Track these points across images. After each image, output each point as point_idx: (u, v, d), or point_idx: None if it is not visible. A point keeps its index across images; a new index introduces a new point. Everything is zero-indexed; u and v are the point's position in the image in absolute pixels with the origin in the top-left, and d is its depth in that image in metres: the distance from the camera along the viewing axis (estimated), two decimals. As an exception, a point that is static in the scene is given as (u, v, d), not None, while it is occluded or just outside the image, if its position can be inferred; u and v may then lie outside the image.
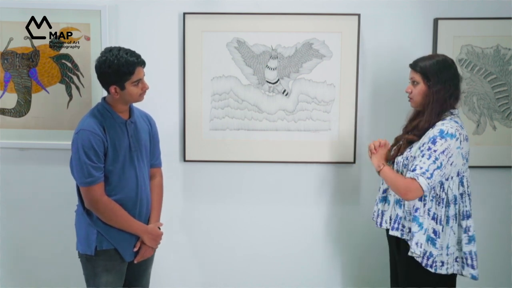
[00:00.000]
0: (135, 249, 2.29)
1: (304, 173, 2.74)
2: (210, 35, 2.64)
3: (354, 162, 2.71)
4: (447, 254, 2.14)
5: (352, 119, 2.68)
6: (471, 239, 2.15)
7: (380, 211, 2.32)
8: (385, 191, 2.32)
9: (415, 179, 2.07)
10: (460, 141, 2.10)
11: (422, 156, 2.09)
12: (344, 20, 2.62)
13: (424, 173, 2.06)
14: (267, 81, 2.67)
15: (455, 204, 2.13)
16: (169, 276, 2.69)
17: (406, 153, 2.21)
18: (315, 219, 2.78)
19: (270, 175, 2.75)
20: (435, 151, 2.07)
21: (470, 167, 2.67)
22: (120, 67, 2.11)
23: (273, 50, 2.65)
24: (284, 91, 2.68)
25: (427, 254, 2.13)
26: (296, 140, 2.70)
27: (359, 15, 2.60)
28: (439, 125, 2.12)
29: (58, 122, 2.69)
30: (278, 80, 2.67)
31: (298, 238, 2.80)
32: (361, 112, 2.70)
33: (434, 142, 2.08)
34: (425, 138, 2.13)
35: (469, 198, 2.18)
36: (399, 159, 2.23)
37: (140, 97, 2.24)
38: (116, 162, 2.20)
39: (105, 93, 2.28)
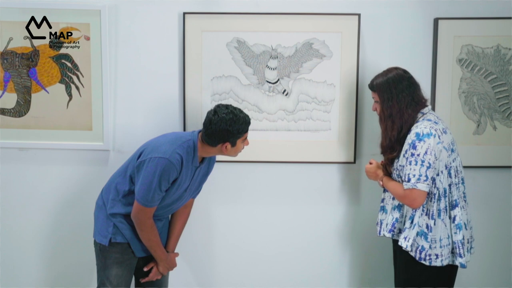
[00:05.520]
0: (146, 269, 2.40)
1: (304, 173, 2.74)
2: (210, 35, 2.63)
3: (354, 162, 2.71)
4: (441, 247, 2.18)
5: (352, 119, 2.68)
6: (457, 228, 2.18)
7: (380, 221, 2.37)
8: (383, 200, 2.38)
9: (414, 188, 2.12)
10: (439, 136, 2.15)
11: (410, 164, 2.14)
12: (344, 20, 2.61)
13: (419, 179, 2.12)
14: (267, 81, 2.67)
15: (445, 196, 2.18)
16: (172, 276, 2.69)
17: (395, 164, 2.26)
18: (315, 219, 2.78)
19: (270, 175, 2.75)
20: (418, 155, 2.12)
21: (470, 167, 2.67)
22: (240, 125, 2.18)
23: (273, 50, 2.64)
24: (284, 91, 2.68)
25: (419, 248, 2.17)
26: (296, 140, 2.70)
27: (359, 15, 2.60)
28: (414, 129, 2.18)
29: (57, 122, 2.68)
30: (278, 80, 2.67)
31: (297, 238, 2.79)
32: (361, 112, 2.70)
33: (414, 147, 2.14)
34: (406, 145, 2.18)
35: (457, 187, 2.20)
36: (393, 174, 2.29)
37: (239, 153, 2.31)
38: (169, 197, 2.27)
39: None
